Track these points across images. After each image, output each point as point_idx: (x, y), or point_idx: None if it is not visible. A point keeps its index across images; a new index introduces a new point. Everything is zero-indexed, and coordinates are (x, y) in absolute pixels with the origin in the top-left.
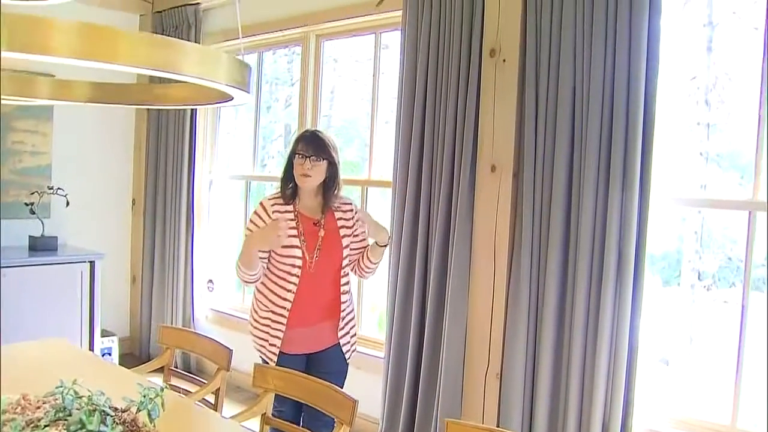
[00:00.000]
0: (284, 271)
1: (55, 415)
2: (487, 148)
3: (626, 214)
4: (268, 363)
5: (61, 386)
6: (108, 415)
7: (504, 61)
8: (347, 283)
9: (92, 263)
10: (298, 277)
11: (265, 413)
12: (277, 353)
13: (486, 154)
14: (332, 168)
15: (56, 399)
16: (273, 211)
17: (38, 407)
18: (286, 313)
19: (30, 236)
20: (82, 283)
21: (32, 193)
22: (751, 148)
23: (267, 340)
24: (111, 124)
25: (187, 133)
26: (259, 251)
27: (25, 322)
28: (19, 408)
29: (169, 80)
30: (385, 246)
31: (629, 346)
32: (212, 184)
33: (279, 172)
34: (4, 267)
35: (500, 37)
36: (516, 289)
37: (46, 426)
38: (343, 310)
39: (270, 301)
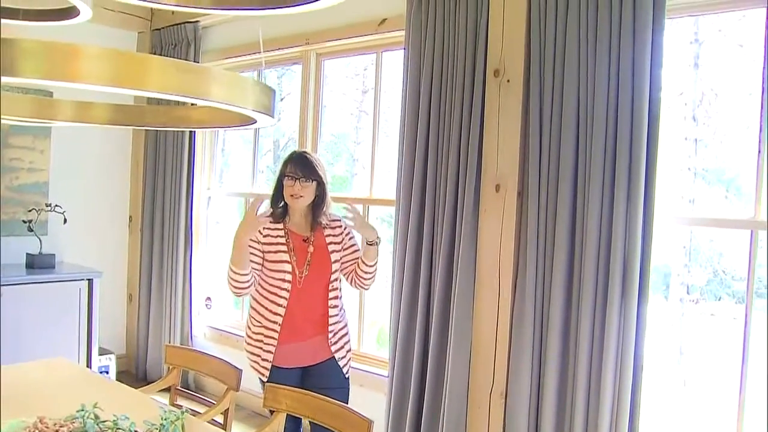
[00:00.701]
0: (275, 286)
1: None
2: (492, 167)
3: (631, 229)
4: (262, 378)
5: (82, 410)
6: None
7: (508, 81)
8: (336, 297)
9: (90, 281)
10: (288, 291)
11: None
12: (269, 368)
13: (490, 174)
14: (321, 187)
15: (73, 423)
16: (264, 234)
17: (57, 431)
18: (277, 328)
19: (27, 254)
20: (80, 300)
21: (30, 210)
22: (737, 163)
23: (259, 356)
24: (108, 141)
25: (186, 149)
26: (251, 249)
27: (23, 340)
28: (35, 431)
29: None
30: (373, 244)
31: (635, 363)
32: (210, 201)
33: (269, 189)
34: (3, 285)
35: (504, 57)
36: (521, 308)
37: None
38: (332, 324)
39: (261, 316)
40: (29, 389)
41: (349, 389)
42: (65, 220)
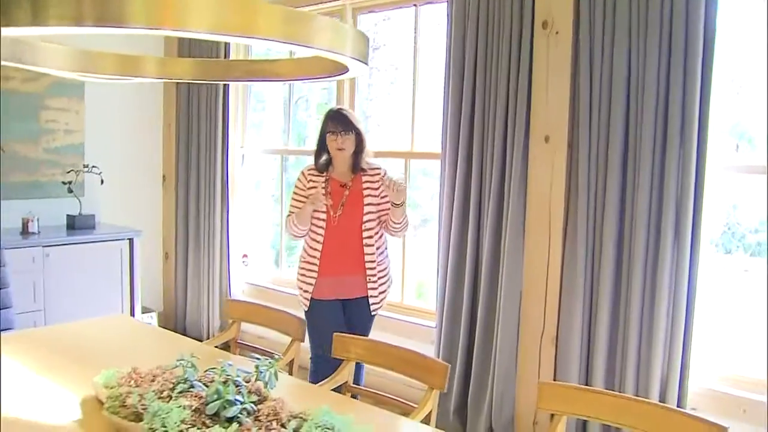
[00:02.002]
0: (315, 225)
1: (177, 386)
2: (541, 119)
3: (683, 178)
4: (304, 309)
5: (182, 359)
6: (240, 385)
7: (557, 33)
8: (370, 237)
9: (131, 240)
10: (323, 229)
11: (347, 382)
12: (309, 299)
13: (539, 125)
14: (359, 138)
15: (164, 372)
16: (309, 179)
17: (152, 380)
18: (316, 263)
19: (68, 215)
20: (122, 260)
21: (68, 172)
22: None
23: (302, 288)
24: (140, 101)
25: (220, 107)
26: (299, 197)
27: (67, 300)
28: (132, 381)
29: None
30: (398, 206)
31: (687, 307)
32: (244, 159)
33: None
34: (46, 246)
35: (552, 8)
36: (572, 256)
37: (177, 397)
38: (368, 262)
39: (305, 252)
40: (97, 344)
41: (370, 327)
42: (102, 181)
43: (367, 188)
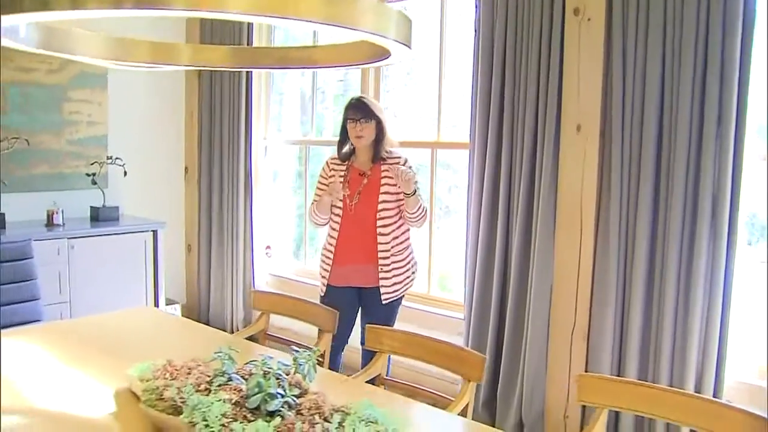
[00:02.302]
0: (333, 213)
1: (215, 379)
2: (572, 107)
3: (720, 169)
4: (321, 295)
5: (220, 352)
6: (281, 378)
7: (589, 19)
8: (385, 226)
9: (155, 232)
10: (340, 217)
11: (380, 374)
12: (326, 285)
13: (571, 114)
14: (379, 126)
15: (199, 364)
16: (331, 168)
17: (188, 373)
18: (333, 249)
19: (91, 207)
20: (145, 251)
21: (92, 164)
22: None
23: (321, 274)
24: (162, 92)
25: (243, 97)
26: (321, 186)
27: (91, 292)
28: (168, 374)
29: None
30: (409, 195)
31: (723, 300)
32: (267, 150)
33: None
34: (71, 238)
35: None
36: (604, 249)
37: (216, 390)
38: (381, 252)
39: (326, 240)
40: (126, 336)
41: (385, 318)
42: (125, 173)
43: (385, 177)
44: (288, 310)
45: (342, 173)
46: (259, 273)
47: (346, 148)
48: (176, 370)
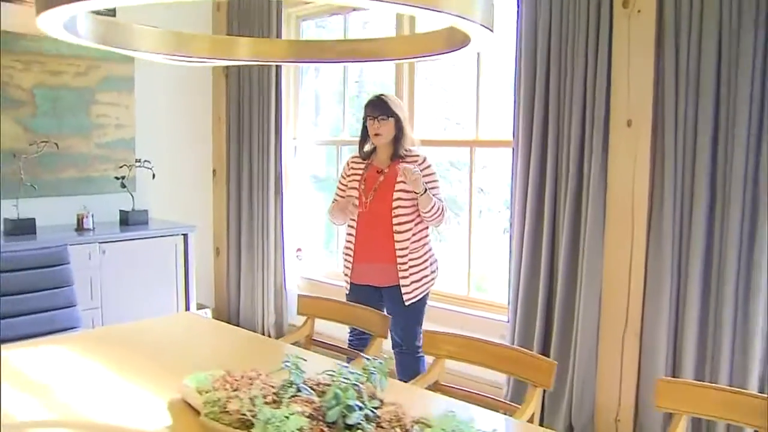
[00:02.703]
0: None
1: (282, 390)
2: (622, 102)
3: None
4: (346, 293)
5: (288, 361)
6: (359, 389)
7: (639, 11)
8: (400, 224)
9: (185, 236)
10: (356, 215)
11: (437, 381)
12: (349, 282)
13: (621, 109)
14: (399, 124)
15: (259, 374)
16: (350, 167)
17: (250, 384)
18: (352, 247)
19: (120, 210)
20: (176, 256)
21: (120, 167)
22: None
23: (344, 272)
24: (189, 94)
25: (273, 98)
26: (341, 185)
27: (124, 297)
28: (228, 385)
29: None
30: (419, 194)
31: None
32: (297, 151)
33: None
34: (102, 242)
35: None
36: (657, 247)
37: (287, 403)
38: (399, 250)
39: (345, 238)
40: (169, 344)
41: (411, 319)
42: (154, 176)
43: (402, 175)
44: (335, 315)
45: (360, 171)
46: (291, 276)
47: (367, 147)
48: (236, 380)
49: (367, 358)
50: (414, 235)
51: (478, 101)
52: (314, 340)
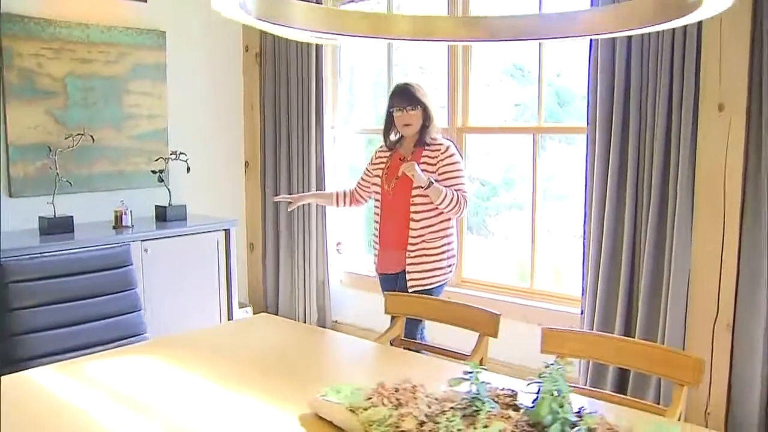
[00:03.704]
0: (375, 199)
1: (466, 408)
2: (713, 84)
3: None
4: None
5: (471, 372)
6: (564, 399)
7: None
8: (418, 212)
9: (227, 231)
10: (380, 202)
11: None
12: (377, 272)
13: (711, 92)
14: (426, 112)
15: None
16: (377, 156)
17: (413, 398)
18: (377, 234)
19: (157, 206)
20: (218, 252)
21: (156, 160)
22: None
23: (373, 261)
24: (220, 83)
25: (314, 86)
26: (366, 174)
27: (166, 297)
28: (386, 399)
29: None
30: (423, 188)
31: None
32: (335, 141)
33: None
34: (144, 240)
35: None
36: (752, 235)
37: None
38: (412, 241)
39: (373, 227)
40: (266, 350)
41: None
42: (188, 169)
43: (424, 164)
44: (428, 313)
45: (384, 160)
46: (333, 271)
47: (392, 137)
48: (393, 394)
49: (547, 363)
50: (430, 225)
51: (540, 86)
52: (404, 339)
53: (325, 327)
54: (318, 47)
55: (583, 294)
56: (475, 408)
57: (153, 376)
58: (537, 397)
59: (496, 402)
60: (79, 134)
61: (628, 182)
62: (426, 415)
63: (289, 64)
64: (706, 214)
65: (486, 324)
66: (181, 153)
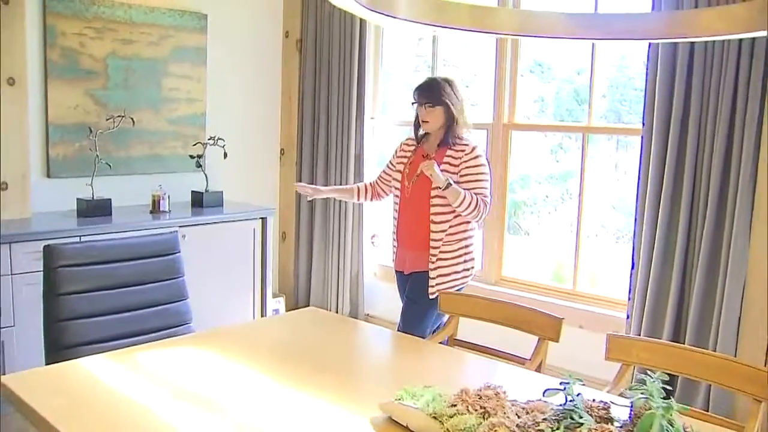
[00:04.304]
0: (395, 195)
1: (560, 419)
2: None
3: None
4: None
5: (567, 381)
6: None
7: None
8: (437, 213)
9: (263, 219)
10: (399, 198)
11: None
12: (395, 270)
13: None
14: (449, 111)
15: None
16: (401, 148)
17: (500, 405)
18: (396, 232)
19: (193, 191)
20: (254, 240)
21: (194, 144)
22: None
23: (393, 259)
24: (259, 69)
25: (356, 76)
26: (388, 167)
27: (202, 285)
28: (469, 406)
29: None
30: (441, 188)
31: None
32: (374, 131)
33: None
34: (181, 226)
35: None
36: None
37: None
38: (434, 244)
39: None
40: (320, 348)
41: (429, 309)
42: (225, 155)
43: (446, 163)
44: (486, 314)
45: (408, 155)
46: (367, 263)
47: (421, 131)
48: (476, 401)
49: (645, 378)
50: (451, 227)
51: (592, 86)
52: (457, 339)
53: (357, 319)
54: (362, 36)
55: (629, 298)
56: (571, 421)
57: (208, 369)
58: (631, 410)
59: (590, 414)
60: (119, 116)
61: (684, 187)
62: (518, 426)
63: (331, 51)
64: (765, 222)
65: (547, 328)
66: (219, 138)
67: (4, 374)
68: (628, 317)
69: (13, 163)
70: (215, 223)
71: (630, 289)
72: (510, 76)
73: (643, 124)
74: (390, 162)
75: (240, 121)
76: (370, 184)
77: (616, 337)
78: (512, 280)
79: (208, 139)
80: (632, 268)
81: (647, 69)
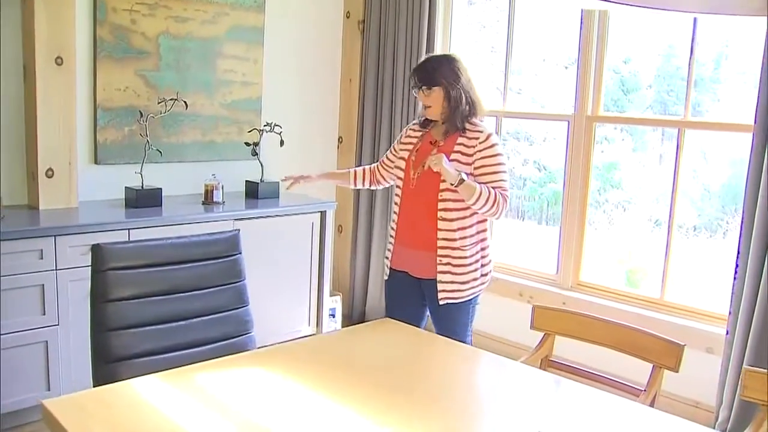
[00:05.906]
0: (396, 185)
1: None
2: None
3: None
4: (385, 278)
5: None
6: None
7: None
8: (446, 210)
9: (323, 213)
10: (401, 189)
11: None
12: (389, 267)
13: None
14: (448, 92)
15: None
16: (407, 133)
17: None
18: (395, 226)
19: (247, 181)
20: (312, 234)
21: (250, 131)
22: None
23: (385, 255)
24: (318, 52)
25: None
26: (391, 152)
27: (256, 283)
28: None
29: None
30: (454, 185)
31: None
32: None
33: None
34: (237, 219)
35: None
36: None
37: None
38: (442, 243)
39: (391, 217)
40: (406, 368)
41: (444, 320)
42: (282, 142)
43: (458, 152)
44: (586, 334)
45: (414, 141)
46: None
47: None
48: None
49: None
50: (462, 228)
51: (690, 78)
52: (552, 360)
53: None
54: (431, 17)
55: (730, 312)
56: None
57: (274, 395)
58: None
59: None
60: (172, 99)
61: None
62: None
63: (397, 33)
64: None
65: (663, 354)
66: (275, 125)
67: (48, 377)
68: (727, 333)
69: (60, 148)
70: (272, 216)
71: (731, 303)
72: (596, 65)
73: (755, 121)
74: (393, 147)
75: (297, 107)
76: (369, 168)
77: (753, 374)
78: (589, 286)
79: (264, 125)
80: (734, 279)
81: (764, 59)
